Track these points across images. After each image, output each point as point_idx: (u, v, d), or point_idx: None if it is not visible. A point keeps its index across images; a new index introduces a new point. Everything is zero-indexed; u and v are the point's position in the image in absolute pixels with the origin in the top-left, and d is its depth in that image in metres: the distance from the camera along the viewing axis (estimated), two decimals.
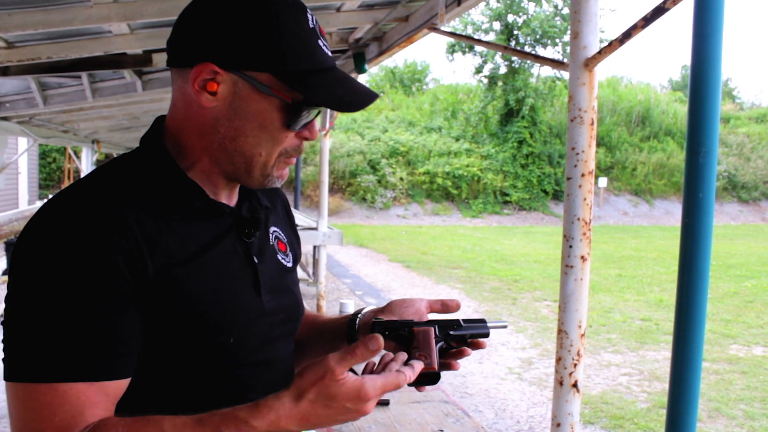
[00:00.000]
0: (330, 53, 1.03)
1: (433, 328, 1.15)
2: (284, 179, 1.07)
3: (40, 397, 0.85)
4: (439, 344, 1.15)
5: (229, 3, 0.97)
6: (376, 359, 0.97)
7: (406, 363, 1.12)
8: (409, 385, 1.11)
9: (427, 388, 1.11)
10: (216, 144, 1.01)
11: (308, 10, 1.01)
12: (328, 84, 0.99)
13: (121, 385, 0.91)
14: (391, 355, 0.98)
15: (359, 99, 1.00)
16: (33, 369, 0.86)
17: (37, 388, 0.85)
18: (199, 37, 0.98)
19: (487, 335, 1.19)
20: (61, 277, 0.87)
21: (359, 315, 1.27)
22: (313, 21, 1.00)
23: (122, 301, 0.90)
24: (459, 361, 1.18)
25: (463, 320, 1.20)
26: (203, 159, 1.03)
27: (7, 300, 0.91)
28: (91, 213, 0.91)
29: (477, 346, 1.19)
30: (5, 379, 0.87)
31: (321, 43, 1.00)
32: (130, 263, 0.91)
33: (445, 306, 1.24)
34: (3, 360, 0.89)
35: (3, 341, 0.90)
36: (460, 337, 1.18)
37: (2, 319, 0.92)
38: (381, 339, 0.88)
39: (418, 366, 0.96)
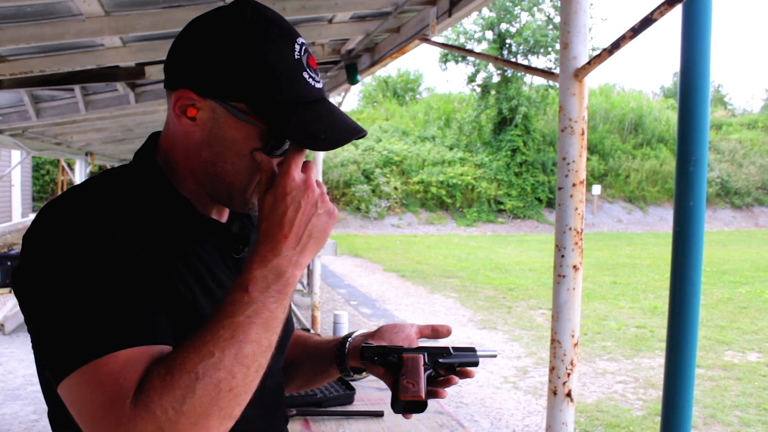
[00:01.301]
0: (319, 86, 1.01)
1: (422, 356, 1.14)
2: None
3: (101, 369, 0.84)
4: (428, 372, 1.14)
5: (211, 31, 0.97)
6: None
7: (394, 391, 1.12)
8: (396, 412, 1.10)
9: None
10: (199, 167, 1.02)
11: (299, 40, 1.00)
12: (305, 119, 0.96)
13: (168, 351, 0.90)
14: None
15: (336, 136, 0.97)
16: (90, 348, 0.85)
17: (98, 363, 0.84)
18: (180, 63, 0.99)
19: (476, 364, 1.19)
20: (86, 264, 0.87)
21: (349, 339, 1.27)
22: (300, 52, 0.98)
23: (142, 284, 0.91)
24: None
25: (453, 348, 1.19)
26: (190, 179, 1.04)
27: (34, 310, 0.90)
28: (96, 213, 0.92)
29: (465, 375, 1.19)
30: (64, 375, 0.85)
31: (306, 75, 0.98)
32: (136, 260, 0.91)
33: (436, 332, 1.23)
34: (53, 364, 0.87)
35: (47, 349, 0.89)
36: (449, 366, 1.17)
37: (31, 337, 0.92)
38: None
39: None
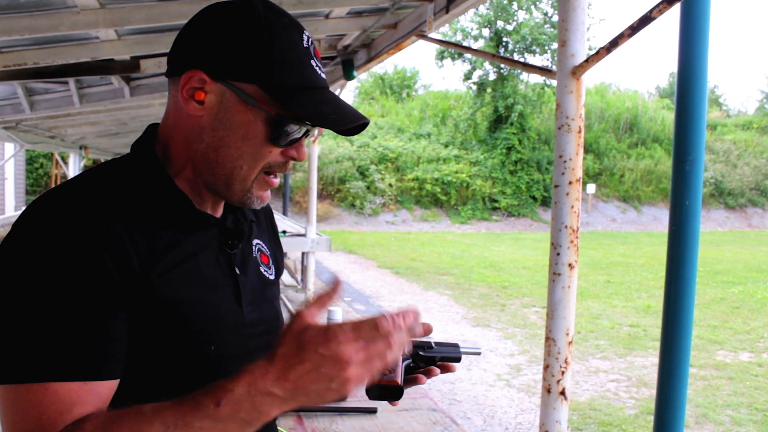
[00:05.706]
0: (323, 76, 1.03)
1: None
2: (264, 202, 1.07)
3: (29, 397, 0.84)
4: (406, 362, 1.12)
5: (222, 16, 0.99)
6: None
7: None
8: (371, 398, 1.08)
9: (412, 396, 1.09)
10: (200, 153, 1.01)
11: (305, 31, 1.02)
12: (314, 101, 0.99)
13: (111, 386, 0.90)
14: None
15: (345, 118, 0.99)
16: (22, 369, 0.85)
17: (27, 388, 0.84)
18: (190, 46, 1.00)
19: (458, 360, 1.17)
20: (49, 277, 0.87)
21: None
22: (308, 41, 1.01)
23: (111, 302, 0.90)
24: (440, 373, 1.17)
25: (435, 342, 1.17)
26: (188, 168, 1.04)
27: None
28: (79, 214, 0.91)
29: (446, 370, 1.17)
30: None
31: (314, 63, 1.01)
32: (117, 264, 0.90)
33: None
34: None
35: None
36: (429, 359, 1.15)
37: None
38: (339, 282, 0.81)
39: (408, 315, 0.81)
